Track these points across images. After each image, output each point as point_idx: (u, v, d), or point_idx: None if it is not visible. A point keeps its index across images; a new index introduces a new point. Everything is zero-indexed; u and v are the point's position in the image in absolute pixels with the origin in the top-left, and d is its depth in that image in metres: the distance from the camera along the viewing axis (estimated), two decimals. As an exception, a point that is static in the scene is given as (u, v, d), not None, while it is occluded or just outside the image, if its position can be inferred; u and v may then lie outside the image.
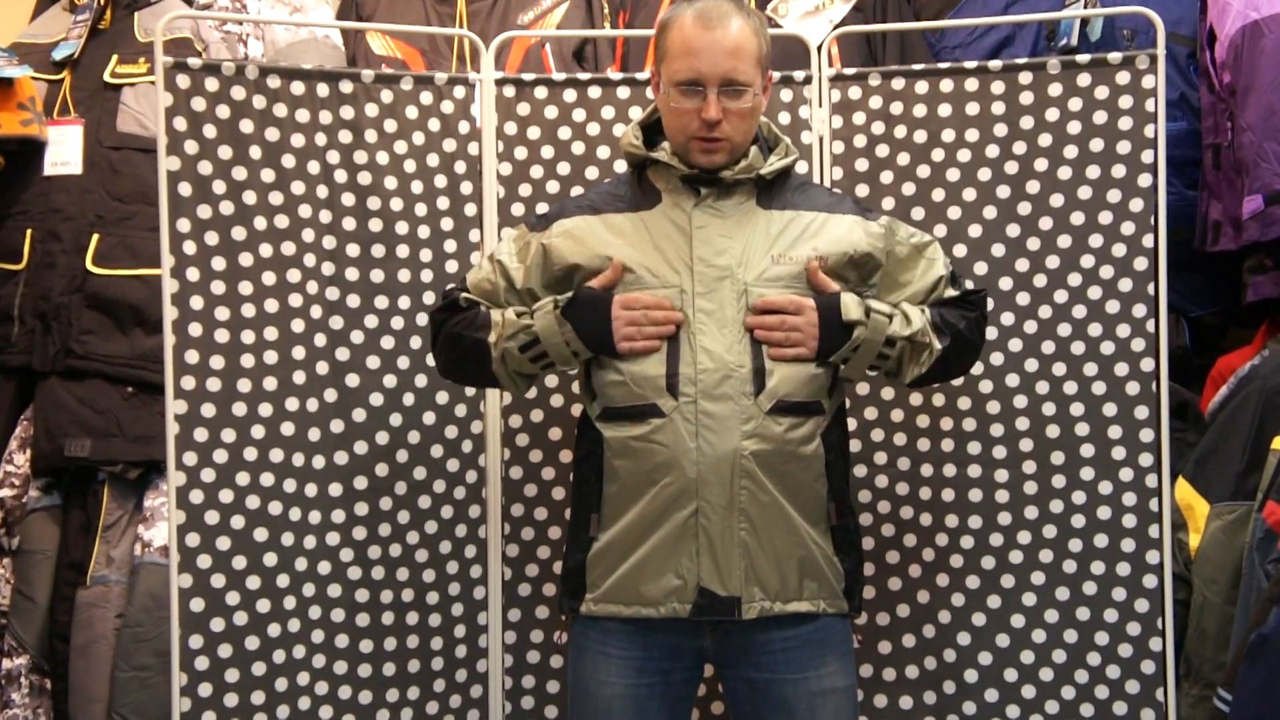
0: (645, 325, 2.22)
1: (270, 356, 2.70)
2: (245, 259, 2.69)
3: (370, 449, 2.76)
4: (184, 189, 2.65)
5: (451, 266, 2.81)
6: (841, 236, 2.31)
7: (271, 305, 2.70)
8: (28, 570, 3.27)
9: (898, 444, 2.80)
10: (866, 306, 2.27)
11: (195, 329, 2.66)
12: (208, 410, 2.66)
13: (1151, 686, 2.70)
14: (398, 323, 2.78)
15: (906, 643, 2.80)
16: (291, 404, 2.71)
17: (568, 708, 2.39)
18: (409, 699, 2.77)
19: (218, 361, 2.67)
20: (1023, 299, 2.75)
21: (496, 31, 3.30)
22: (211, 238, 2.67)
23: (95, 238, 3.27)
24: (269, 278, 2.70)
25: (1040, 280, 2.75)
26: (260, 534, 2.68)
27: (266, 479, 2.69)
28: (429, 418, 2.79)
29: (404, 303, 2.78)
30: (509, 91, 2.85)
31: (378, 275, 2.77)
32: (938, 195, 2.79)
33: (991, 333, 2.73)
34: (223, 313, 2.67)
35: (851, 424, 2.66)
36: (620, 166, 2.76)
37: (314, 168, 2.73)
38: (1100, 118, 2.72)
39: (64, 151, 3.35)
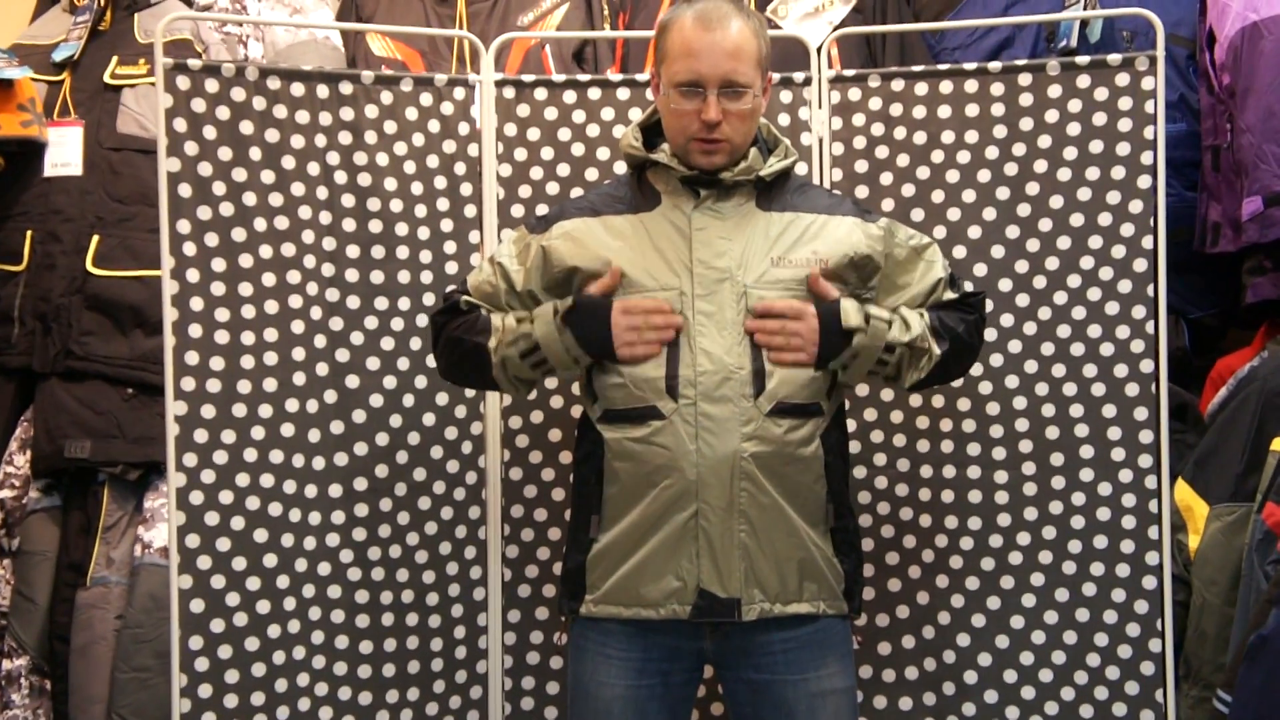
0: (645, 330, 2.22)
1: (270, 358, 2.70)
2: (245, 260, 2.69)
3: (370, 450, 2.76)
4: (184, 190, 2.65)
5: (451, 268, 2.81)
6: (841, 239, 2.31)
7: (271, 306, 2.70)
8: (28, 571, 3.27)
9: (897, 445, 2.80)
10: (866, 313, 2.27)
11: (195, 330, 2.66)
12: (208, 411, 2.66)
13: (1151, 688, 2.70)
14: (397, 324, 2.78)
15: (906, 644, 2.81)
16: (291, 405, 2.71)
17: (567, 709, 2.39)
18: (409, 700, 2.77)
19: (218, 363, 2.67)
20: (1022, 300, 2.75)
21: (496, 33, 3.30)
22: (211, 239, 2.67)
23: (95, 239, 3.27)
24: (269, 279, 2.70)
25: (1040, 282, 2.75)
26: (260, 535, 2.68)
27: (266, 480, 2.69)
28: (429, 419, 2.79)
29: (404, 304, 2.78)
30: (509, 93, 2.85)
31: (378, 276, 2.77)
32: (937, 197, 2.79)
33: (991, 334, 2.73)
34: (223, 314, 2.67)
35: (851, 425, 2.66)
36: (620, 168, 2.76)
37: (314, 169, 2.74)
38: (1100, 119, 2.72)
39: (64, 153, 3.35)
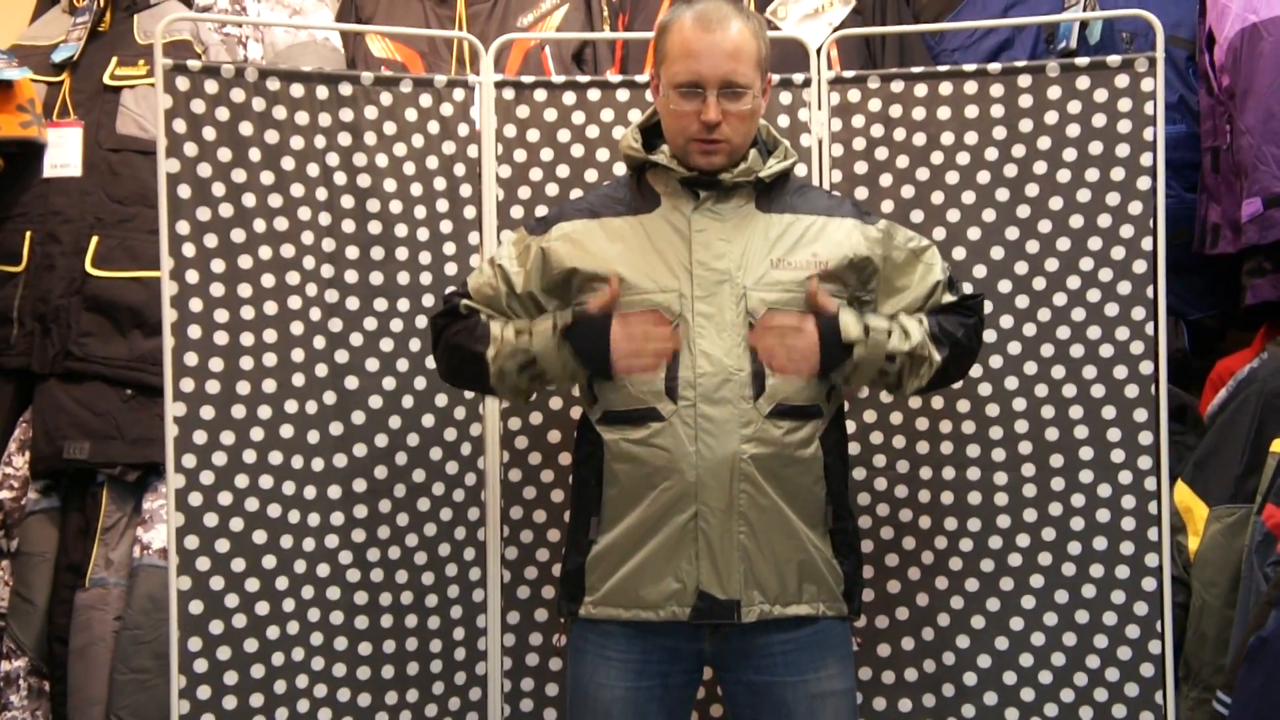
0: (644, 347, 2.21)
1: (269, 359, 2.70)
2: (244, 261, 2.69)
3: (369, 451, 2.75)
4: (183, 191, 2.65)
5: (451, 269, 2.81)
6: (841, 240, 2.31)
7: (270, 308, 2.70)
8: (26, 572, 3.27)
9: (897, 447, 2.80)
10: (865, 324, 2.27)
11: (194, 331, 2.65)
12: (207, 412, 2.66)
13: (1150, 689, 2.70)
14: (397, 325, 2.78)
15: (905, 645, 2.80)
16: (290, 406, 2.71)
17: (567, 711, 2.39)
18: (408, 701, 2.77)
19: (217, 364, 2.66)
20: (1021, 302, 2.75)
21: (496, 34, 3.29)
22: (211, 240, 2.67)
23: (94, 240, 3.27)
24: (268, 280, 2.70)
25: (1039, 283, 2.75)
26: (259, 536, 2.68)
27: (265, 481, 2.69)
28: (428, 420, 2.79)
29: (403, 305, 2.78)
30: (508, 94, 2.85)
31: (377, 278, 2.77)
32: (937, 198, 2.79)
33: (990, 335, 2.73)
34: (222, 315, 2.67)
35: (850, 427, 2.66)
36: (619, 169, 2.76)
37: (313, 170, 2.73)
38: (1099, 121, 2.72)
39: (63, 153, 3.35)
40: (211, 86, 2.67)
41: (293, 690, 2.70)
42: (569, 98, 2.86)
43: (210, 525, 2.65)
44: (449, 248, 2.82)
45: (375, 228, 2.77)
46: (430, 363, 2.65)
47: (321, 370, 2.73)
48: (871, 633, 2.81)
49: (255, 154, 2.70)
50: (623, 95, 2.86)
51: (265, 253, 2.70)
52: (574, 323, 2.27)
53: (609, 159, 2.84)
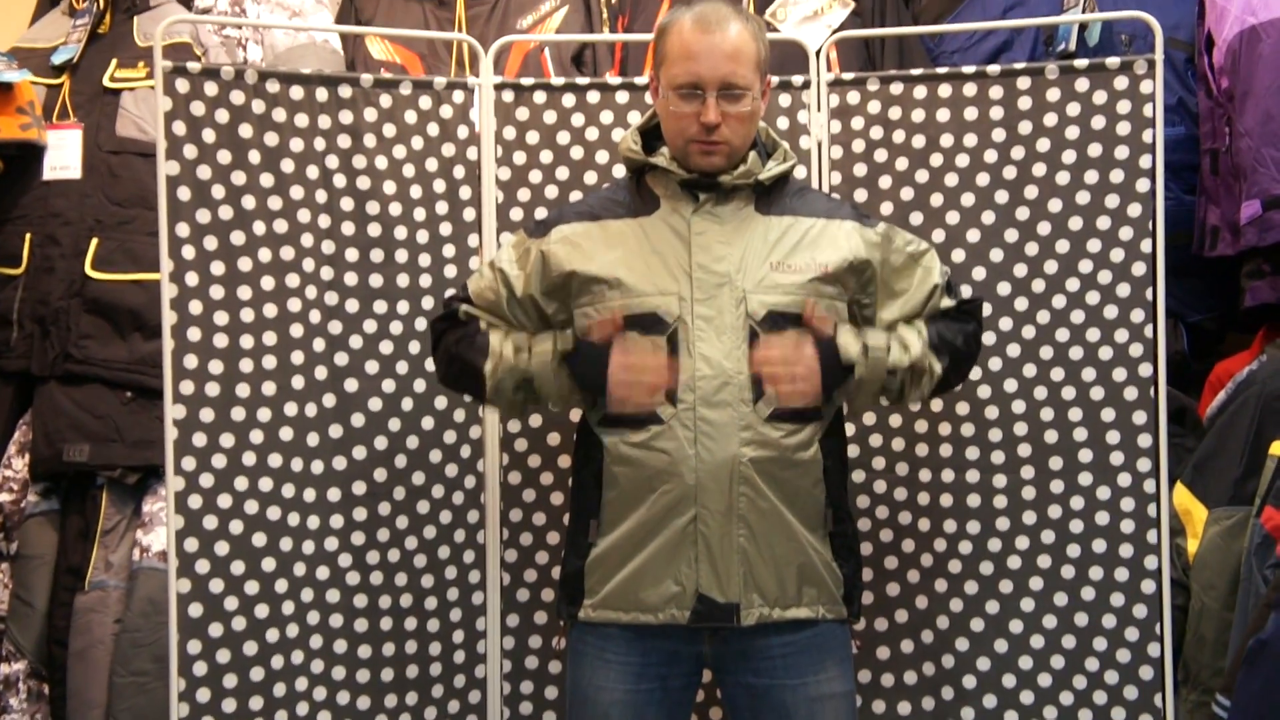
0: (640, 383, 2.21)
1: (269, 361, 2.70)
2: (244, 263, 2.69)
3: (369, 454, 2.75)
4: (183, 193, 2.65)
5: (450, 271, 2.81)
6: (840, 243, 2.31)
7: (270, 310, 2.70)
8: (26, 575, 3.27)
9: (895, 449, 2.80)
10: (864, 342, 2.27)
11: (194, 333, 2.65)
12: (206, 415, 2.65)
13: (1150, 692, 2.70)
14: (396, 328, 2.78)
15: (905, 648, 2.80)
16: (290, 409, 2.71)
17: (566, 714, 2.39)
18: (407, 704, 2.77)
19: (216, 366, 2.66)
20: (1021, 304, 2.75)
21: (495, 36, 3.30)
22: (210, 242, 2.67)
23: (94, 242, 3.27)
24: (268, 282, 2.70)
25: (1038, 285, 2.75)
26: (259, 539, 2.68)
27: (265, 484, 2.69)
28: (427, 423, 2.79)
29: (403, 307, 2.78)
30: (508, 96, 2.85)
31: (376, 280, 2.77)
32: (936, 200, 2.79)
33: (989, 338, 2.73)
34: (221, 317, 2.67)
35: (849, 429, 2.66)
36: (619, 171, 2.76)
37: (313, 172, 2.73)
38: (1098, 123, 2.72)
39: (63, 156, 3.35)
40: (211, 89, 2.67)
41: (292, 693, 2.69)
42: (568, 100, 2.86)
43: (210, 528, 2.65)
44: (448, 250, 2.82)
45: (375, 230, 2.77)
46: (430, 365, 2.65)
47: (321, 373, 2.73)
48: (871, 635, 2.81)
49: (255, 156, 2.70)
50: (622, 97, 2.86)
51: (265, 255, 2.70)
52: (574, 349, 2.28)
53: (608, 161, 2.84)
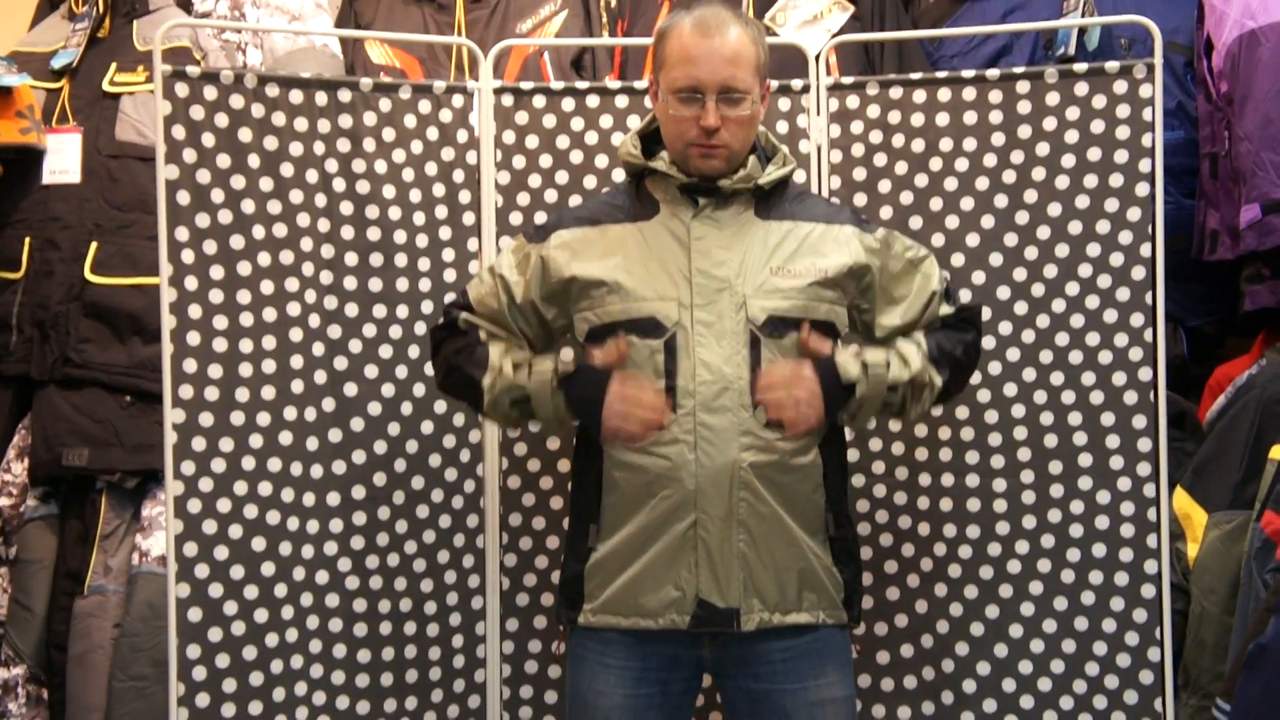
0: (634, 416, 2.21)
1: (268, 365, 2.69)
2: (243, 267, 2.68)
3: (368, 458, 2.75)
4: (182, 197, 2.65)
5: (450, 275, 2.81)
6: (839, 249, 2.31)
7: (270, 314, 2.70)
8: (25, 580, 3.27)
9: (895, 454, 2.80)
10: (863, 361, 2.27)
11: (193, 338, 2.65)
12: (205, 419, 2.65)
13: (1150, 697, 2.70)
14: (396, 332, 2.78)
15: (905, 653, 2.80)
16: (289, 413, 2.70)
17: (566, 718, 2.39)
18: (406, 709, 2.77)
19: (216, 370, 2.66)
20: (1020, 308, 2.75)
21: (495, 40, 3.30)
22: (210, 246, 2.66)
23: (94, 246, 3.27)
24: (267, 286, 2.70)
25: (1038, 289, 2.75)
26: (258, 543, 2.67)
27: (264, 488, 2.68)
28: (427, 427, 2.79)
29: (402, 312, 2.78)
30: (507, 100, 2.85)
31: (376, 284, 2.77)
32: (935, 204, 2.79)
33: (989, 342, 2.73)
34: (221, 321, 2.67)
35: (849, 434, 2.66)
36: (618, 176, 2.76)
37: (312, 176, 2.73)
38: (1098, 126, 2.72)
39: (62, 160, 3.35)
40: (210, 93, 2.67)
41: (291, 698, 2.69)
42: (568, 104, 2.85)
43: (209, 532, 2.64)
44: (448, 254, 2.82)
45: (374, 234, 2.77)
46: (429, 369, 2.65)
47: (320, 377, 2.73)
48: (871, 640, 2.81)
49: (254, 160, 2.69)
50: (621, 101, 2.86)
51: (264, 259, 2.70)
52: (574, 372, 2.28)
53: (608, 165, 2.84)
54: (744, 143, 2.28)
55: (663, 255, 2.27)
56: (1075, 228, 2.73)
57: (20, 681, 3.22)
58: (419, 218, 2.80)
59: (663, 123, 2.32)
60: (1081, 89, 2.73)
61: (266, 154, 2.70)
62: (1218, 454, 2.89)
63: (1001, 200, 2.76)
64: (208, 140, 2.66)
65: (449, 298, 2.62)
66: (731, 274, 2.24)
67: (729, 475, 2.17)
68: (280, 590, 2.68)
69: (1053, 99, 2.74)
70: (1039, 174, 2.74)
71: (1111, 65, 2.73)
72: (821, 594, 2.26)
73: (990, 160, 2.76)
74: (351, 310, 2.75)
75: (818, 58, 2.86)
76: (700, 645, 2.26)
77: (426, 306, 2.79)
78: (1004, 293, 2.76)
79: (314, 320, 2.73)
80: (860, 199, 2.81)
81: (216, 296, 2.67)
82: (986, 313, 2.71)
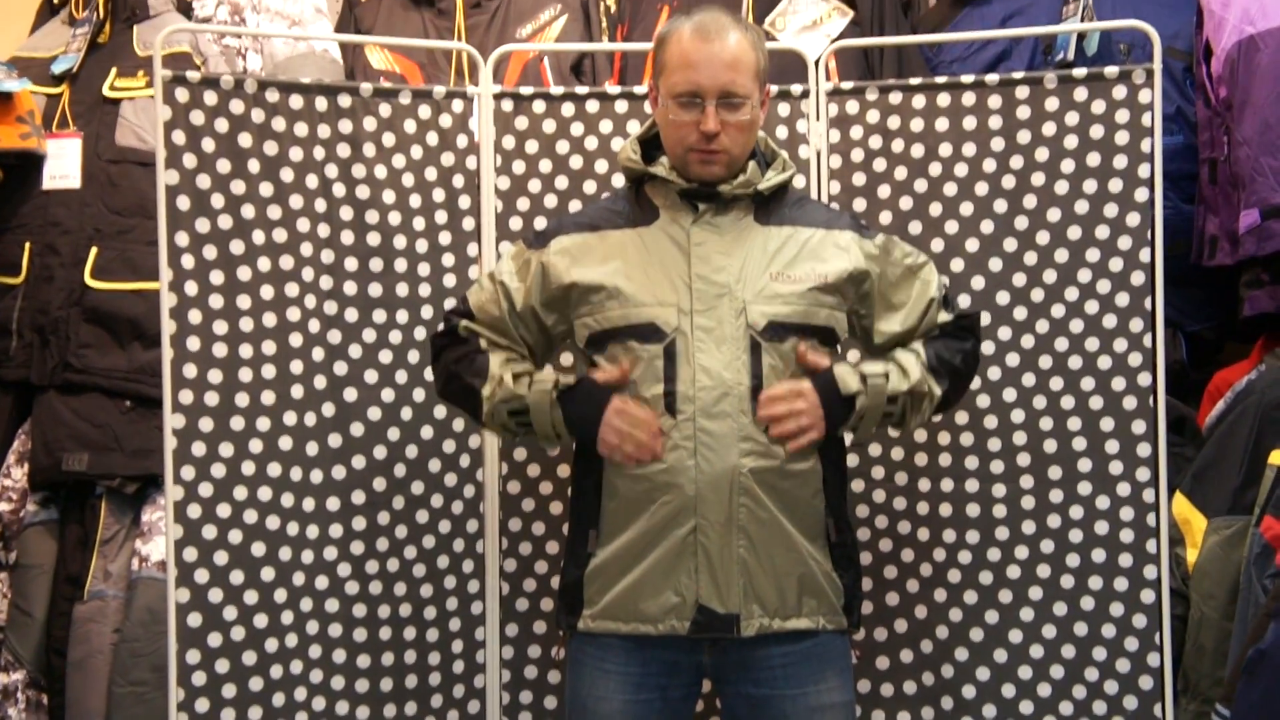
0: (629, 439, 2.21)
1: (268, 370, 2.69)
2: (243, 273, 2.68)
3: (368, 463, 2.75)
4: (182, 202, 2.65)
5: (450, 280, 2.81)
6: (839, 254, 2.31)
7: (269, 319, 2.70)
8: (25, 585, 3.27)
9: (895, 459, 2.80)
10: (861, 373, 2.27)
11: (193, 343, 2.65)
12: (205, 424, 2.65)
13: (1149, 702, 2.70)
14: (395, 337, 2.78)
15: (904, 658, 2.80)
16: (289, 418, 2.70)
17: (565, 723, 2.39)
18: (406, 714, 2.77)
19: (215, 375, 2.66)
20: (1020, 313, 2.75)
21: (495, 45, 3.30)
22: (210, 251, 2.66)
23: (94, 251, 3.27)
24: (267, 291, 2.70)
25: (1037, 295, 2.75)
26: (258, 548, 2.67)
27: (264, 493, 2.68)
28: (427, 432, 2.79)
29: (402, 317, 2.78)
30: (507, 105, 2.85)
31: (376, 289, 2.77)
32: (935, 209, 2.79)
33: (988, 347, 2.73)
34: (221, 326, 2.67)
35: (848, 439, 2.65)
36: (618, 181, 2.76)
37: (312, 181, 2.73)
38: (1097, 132, 2.73)
39: (63, 165, 3.35)
40: (210, 98, 2.67)
41: (291, 703, 2.69)
42: (567, 109, 2.86)
43: (209, 537, 2.64)
44: (448, 259, 2.82)
45: (374, 239, 2.77)
46: (429, 374, 2.64)
47: (320, 382, 2.73)
48: (870, 645, 2.81)
49: (254, 165, 2.70)
50: (621, 107, 2.86)
51: (264, 264, 2.70)
52: (575, 388, 2.28)
53: (607, 170, 2.84)
54: (744, 148, 2.28)
55: (663, 261, 2.27)
56: (1074, 233, 2.73)
57: (20, 686, 3.22)
58: (419, 223, 2.80)
59: (662, 128, 2.32)
60: (1081, 94, 2.73)
61: (266, 159, 2.70)
62: (1217, 459, 2.89)
63: (1001, 205, 2.76)
64: (208, 145, 2.67)
65: (449, 303, 2.63)
66: (731, 279, 2.24)
67: (729, 481, 2.17)
68: (280, 595, 2.68)
69: (1052, 104, 2.74)
70: (1038, 179, 2.75)
71: (1111, 70, 2.74)
72: (821, 599, 2.26)
73: (989, 165, 2.77)
74: (351, 315, 2.75)
75: (817, 63, 2.86)
76: (700, 651, 2.26)
77: (426, 312, 2.79)
78: (1003, 298, 2.76)
79: (314, 325, 2.73)
80: (860, 204, 2.81)
81: (216, 301, 2.67)
82: (985, 319, 2.71)
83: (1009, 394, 2.75)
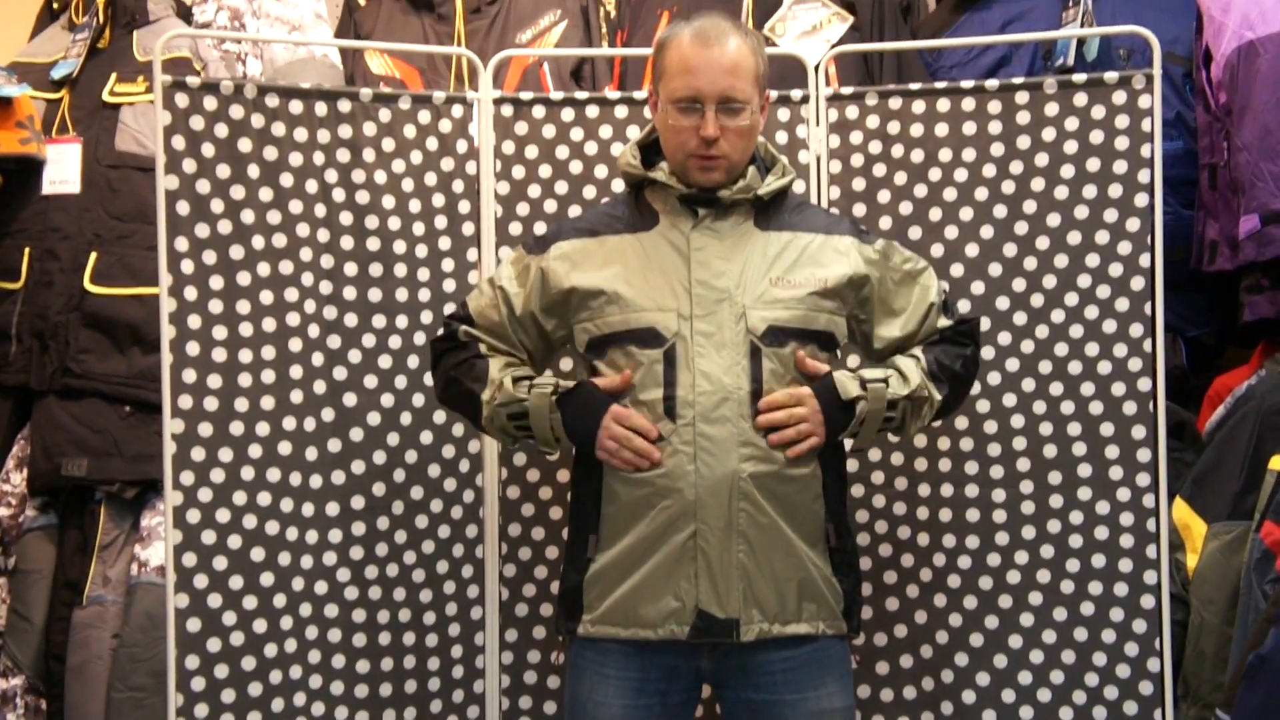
0: (625, 448, 2.21)
1: (268, 375, 2.69)
2: (243, 278, 2.68)
3: (367, 468, 2.75)
4: (182, 208, 2.65)
5: (449, 285, 2.81)
6: (839, 259, 2.32)
7: (269, 324, 2.70)
8: (24, 590, 3.27)
9: (895, 464, 2.80)
10: (861, 379, 2.27)
11: (193, 348, 2.65)
12: (205, 429, 2.65)
13: (1149, 707, 2.70)
14: (395, 342, 2.78)
15: (904, 663, 2.80)
16: (289, 423, 2.70)
17: (565, 729, 2.39)
18: None
19: (215, 380, 2.66)
20: (1020, 318, 2.75)
21: (494, 50, 3.29)
22: (209, 256, 2.66)
23: (93, 256, 3.27)
24: (266, 297, 2.70)
25: (1037, 300, 2.75)
26: (257, 554, 2.67)
27: (263, 498, 2.68)
28: (426, 437, 2.79)
29: (401, 322, 2.78)
30: (507, 110, 2.86)
31: (375, 294, 2.77)
32: (935, 215, 2.79)
33: (988, 352, 2.73)
34: (220, 332, 2.67)
35: (847, 444, 2.65)
36: (618, 186, 2.76)
37: (312, 186, 2.73)
38: (1097, 137, 2.73)
39: (62, 170, 3.35)
40: (210, 103, 2.67)
41: (290, 708, 2.69)
42: (567, 114, 2.86)
43: (208, 542, 2.64)
44: (447, 264, 2.82)
45: (374, 244, 2.77)
46: (429, 380, 2.64)
47: (320, 387, 2.73)
48: (870, 650, 2.80)
49: (254, 170, 2.70)
50: (621, 112, 2.86)
51: (264, 269, 2.70)
52: (574, 392, 2.28)
53: (607, 175, 2.84)
54: (743, 154, 2.29)
55: (662, 266, 2.27)
56: (1074, 238, 2.73)
57: (19, 692, 3.22)
58: (418, 228, 2.80)
59: (662, 133, 2.32)
60: (1080, 99, 2.73)
61: (266, 164, 2.70)
62: (1217, 464, 2.89)
63: (1000, 210, 2.76)
64: (207, 150, 2.67)
65: (448, 309, 2.63)
66: (731, 284, 2.24)
67: (728, 486, 2.17)
68: (279, 600, 2.68)
69: (1052, 109, 2.74)
70: (1038, 184, 2.75)
71: (1110, 76, 2.74)
72: (821, 604, 2.26)
73: (989, 171, 2.77)
74: (351, 320, 2.75)
75: (817, 68, 2.86)
76: (700, 656, 2.26)
77: (426, 317, 2.79)
78: (1003, 303, 2.76)
79: (313, 330, 2.73)
80: (859, 209, 2.81)
81: (216, 307, 2.67)
82: (985, 324, 2.71)
83: (1009, 399, 2.75)
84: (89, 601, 3.20)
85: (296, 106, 2.73)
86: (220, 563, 2.65)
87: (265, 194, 2.70)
